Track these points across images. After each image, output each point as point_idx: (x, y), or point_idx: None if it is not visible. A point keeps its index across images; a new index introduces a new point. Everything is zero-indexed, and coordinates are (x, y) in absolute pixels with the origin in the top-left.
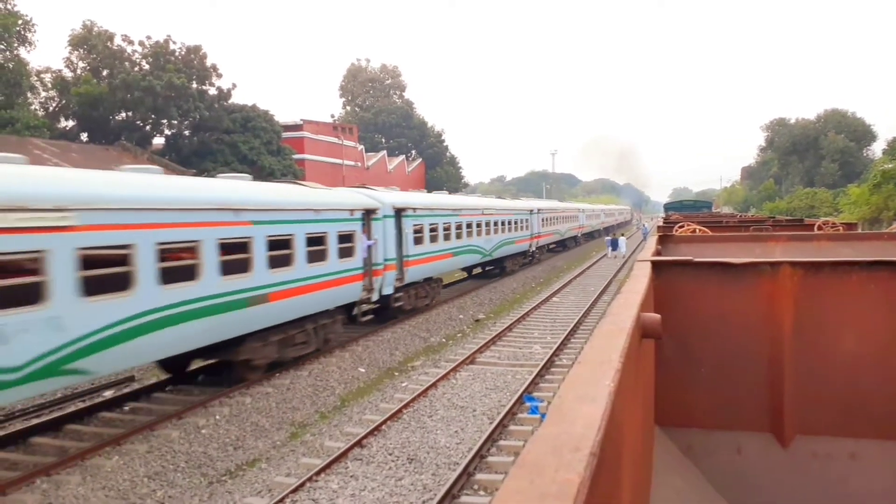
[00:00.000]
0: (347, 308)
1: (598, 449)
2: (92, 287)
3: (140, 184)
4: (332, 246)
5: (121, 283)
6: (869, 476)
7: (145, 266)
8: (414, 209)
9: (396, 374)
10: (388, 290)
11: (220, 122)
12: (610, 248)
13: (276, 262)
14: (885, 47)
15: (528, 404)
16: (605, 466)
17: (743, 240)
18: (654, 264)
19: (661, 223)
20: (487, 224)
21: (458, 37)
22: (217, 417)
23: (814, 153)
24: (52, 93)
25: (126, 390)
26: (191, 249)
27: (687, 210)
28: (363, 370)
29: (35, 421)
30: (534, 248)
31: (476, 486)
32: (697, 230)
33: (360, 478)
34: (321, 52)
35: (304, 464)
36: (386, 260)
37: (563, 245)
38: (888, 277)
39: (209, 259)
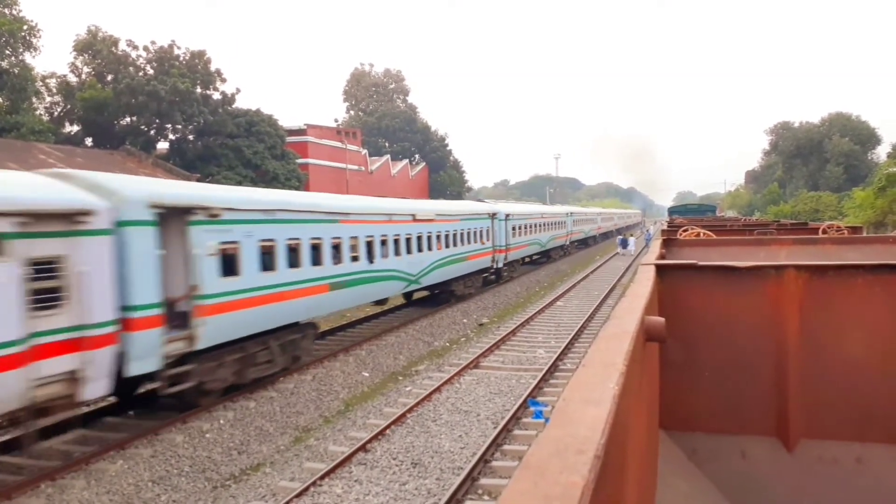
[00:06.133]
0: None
1: (602, 452)
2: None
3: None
4: (565, 226)
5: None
6: (875, 480)
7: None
8: (574, 213)
9: (400, 378)
10: (564, 243)
11: (225, 126)
12: (621, 247)
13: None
14: (890, 50)
15: (532, 409)
16: (610, 469)
17: (747, 243)
18: (659, 268)
19: (665, 227)
20: (587, 220)
21: (461, 40)
22: (221, 422)
23: (818, 157)
24: (57, 98)
25: None
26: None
27: (691, 214)
28: (367, 374)
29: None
30: (597, 235)
31: (480, 491)
32: (702, 234)
33: (364, 482)
34: (325, 57)
35: (308, 468)
36: (569, 231)
37: (603, 237)
38: (893, 281)
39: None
